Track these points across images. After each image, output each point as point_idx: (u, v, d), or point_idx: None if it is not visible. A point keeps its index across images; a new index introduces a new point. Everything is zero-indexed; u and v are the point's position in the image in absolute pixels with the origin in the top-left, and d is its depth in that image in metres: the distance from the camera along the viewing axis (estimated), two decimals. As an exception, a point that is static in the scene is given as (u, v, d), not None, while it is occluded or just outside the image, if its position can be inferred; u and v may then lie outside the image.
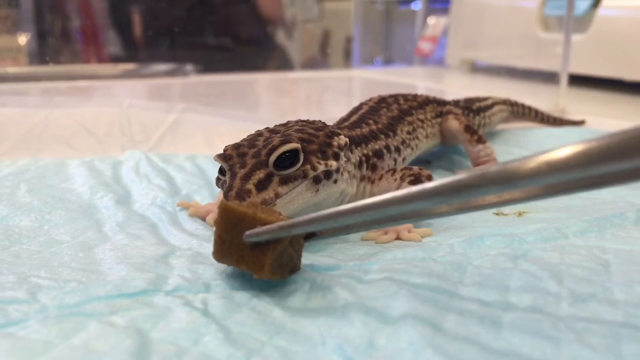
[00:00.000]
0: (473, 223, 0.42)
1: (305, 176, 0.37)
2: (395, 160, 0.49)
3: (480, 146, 0.58)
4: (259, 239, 0.29)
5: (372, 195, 0.45)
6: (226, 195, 0.35)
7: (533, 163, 0.21)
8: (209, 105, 0.84)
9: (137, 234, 0.40)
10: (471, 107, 0.65)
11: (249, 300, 0.30)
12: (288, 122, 0.43)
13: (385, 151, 0.47)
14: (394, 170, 0.45)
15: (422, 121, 0.55)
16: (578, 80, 1.08)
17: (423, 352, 0.24)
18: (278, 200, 0.36)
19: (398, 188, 0.44)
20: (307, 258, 0.34)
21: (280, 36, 1.58)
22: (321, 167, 0.38)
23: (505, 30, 1.29)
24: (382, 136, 0.48)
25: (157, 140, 0.70)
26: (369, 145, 0.46)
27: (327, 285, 0.30)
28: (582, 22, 1.08)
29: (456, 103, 0.65)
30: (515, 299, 0.28)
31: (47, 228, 0.41)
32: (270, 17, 1.53)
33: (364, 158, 0.44)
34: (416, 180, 0.44)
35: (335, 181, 0.39)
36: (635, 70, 1.01)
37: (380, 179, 0.45)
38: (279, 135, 0.38)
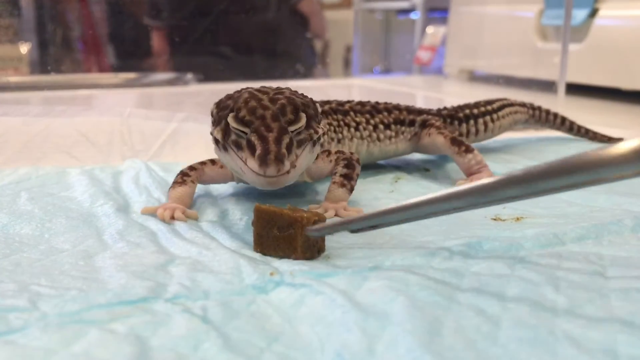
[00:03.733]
0: (471, 226, 0.42)
1: (310, 139, 0.42)
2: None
3: (470, 155, 0.57)
4: (320, 234, 0.36)
5: (309, 172, 0.50)
6: (264, 158, 0.38)
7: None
8: (210, 114, 0.84)
9: (137, 242, 0.40)
10: (456, 115, 0.64)
11: (247, 306, 0.30)
12: (269, 86, 0.46)
13: None
14: (329, 152, 0.50)
15: (357, 123, 0.58)
16: (575, 89, 1.09)
17: (421, 359, 0.24)
18: (297, 161, 0.40)
19: (332, 169, 0.49)
20: (306, 264, 0.35)
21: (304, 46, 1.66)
22: (320, 131, 0.43)
23: (503, 39, 1.30)
24: None
25: (157, 149, 0.70)
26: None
27: (326, 292, 0.30)
28: (579, 32, 1.09)
29: (439, 112, 0.64)
30: (513, 306, 0.29)
31: (48, 236, 0.41)
32: (319, 35, 1.70)
33: None
34: (349, 163, 0.49)
35: (321, 144, 0.45)
36: (632, 80, 1.02)
37: (316, 158, 0.49)
38: (282, 97, 0.42)
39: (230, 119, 0.41)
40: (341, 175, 0.48)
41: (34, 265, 0.36)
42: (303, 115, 0.42)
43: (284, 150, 0.39)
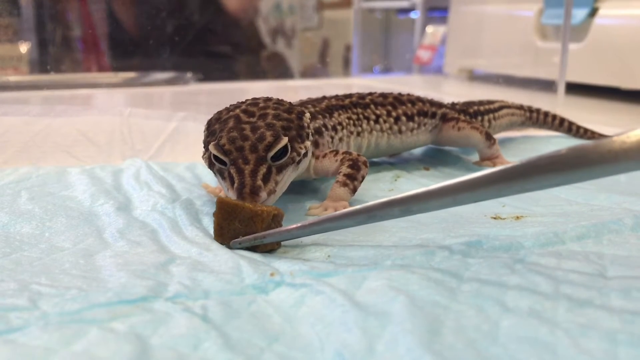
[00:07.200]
0: (471, 224, 0.42)
1: (293, 161, 0.43)
2: (332, 137, 0.53)
3: (495, 147, 0.63)
4: (242, 245, 0.38)
5: (315, 169, 0.51)
6: (241, 191, 0.40)
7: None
8: (209, 113, 0.84)
9: (137, 241, 0.40)
10: (467, 111, 0.67)
11: (248, 306, 0.30)
12: (257, 102, 0.47)
13: (323, 129, 0.52)
14: (337, 152, 0.51)
15: (377, 116, 0.59)
16: (575, 89, 1.09)
17: (421, 359, 0.24)
18: (277, 186, 0.42)
19: (337, 169, 0.49)
20: (306, 264, 0.35)
21: (280, 44, 1.59)
22: (302, 151, 0.44)
23: (503, 39, 1.30)
24: (320, 116, 0.53)
25: (157, 149, 0.70)
26: (311, 124, 0.50)
27: (326, 292, 0.30)
28: (579, 31, 1.09)
29: (453, 106, 0.66)
30: (513, 305, 0.29)
31: (48, 235, 0.41)
32: (235, 13, 1.52)
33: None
34: (354, 164, 0.49)
35: (307, 154, 0.46)
36: (632, 79, 1.02)
37: (324, 156, 0.50)
38: (263, 125, 0.43)
39: (211, 148, 0.43)
40: (344, 175, 0.48)
41: (34, 264, 0.36)
42: (283, 140, 0.42)
43: (259, 183, 0.40)
